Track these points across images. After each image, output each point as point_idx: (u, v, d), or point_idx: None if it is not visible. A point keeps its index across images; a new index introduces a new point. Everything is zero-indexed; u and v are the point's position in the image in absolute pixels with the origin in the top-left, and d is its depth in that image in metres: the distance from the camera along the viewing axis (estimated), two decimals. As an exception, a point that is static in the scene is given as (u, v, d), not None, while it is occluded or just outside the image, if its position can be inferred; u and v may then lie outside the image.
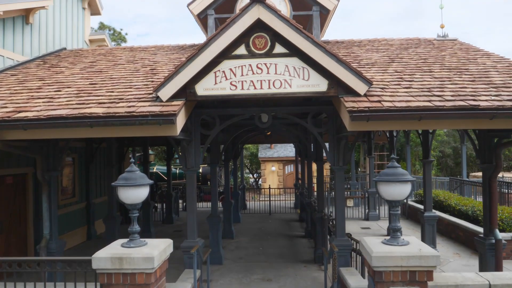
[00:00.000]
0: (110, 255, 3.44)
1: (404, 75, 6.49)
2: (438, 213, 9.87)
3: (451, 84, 5.90)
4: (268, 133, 11.99)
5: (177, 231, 12.66)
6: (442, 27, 9.95)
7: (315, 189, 14.46)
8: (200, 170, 22.13)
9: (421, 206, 12.94)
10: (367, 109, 4.90)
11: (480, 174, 24.01)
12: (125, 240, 3.77)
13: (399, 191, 3.50)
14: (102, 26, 30.05)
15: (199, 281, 6.31)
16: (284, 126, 8.87)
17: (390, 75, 6.49)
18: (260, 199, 20.32)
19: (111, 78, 7.27)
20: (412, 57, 7.88)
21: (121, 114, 5.16)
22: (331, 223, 8.40)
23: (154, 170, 21.97)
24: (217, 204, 9.01)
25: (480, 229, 9.31)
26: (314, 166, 12.14)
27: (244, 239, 11.34)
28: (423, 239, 8.72)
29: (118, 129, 5.28)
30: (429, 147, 8.70)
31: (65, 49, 10.86)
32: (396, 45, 9.19)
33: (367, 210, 13.89)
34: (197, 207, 17.71)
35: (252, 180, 33.17)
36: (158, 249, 3.57)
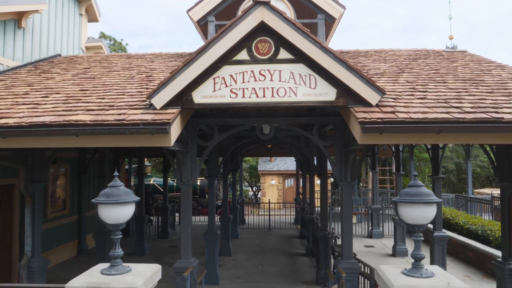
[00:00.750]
0: (86, 284, 2.95)
1: (417, 85, 6.07)
2: (447, 232, 9.32)
3: (469, 95, 5.47)
4: (269, 146, 11.54)
5: (173, 247, 12.08)
6: (451, 38, 9.61)
7: (317, 205, 13.98)
8: (198, 183, 21.61)
9: (427, 224, 12.43)
10: (380, 120, 4.45)
11: (484, 190, 23.53)
12: (106, 265, 3.28)
13: (423, 214, 3.03)
14: (102, 36, 29.93)
15: (193, 306, 5.77)
16: (287, 138, 8.42)
17: (402, 86, 6.07)
18: (259, 213, 19.75)
19: (103, 84, 6.85)
20: (423, 67, 7.48)
21: (110, 122, 4.71)
22: (334, 241, 7.89)
23: (151, 182, 21.45)
24: (214, 219, 8.50)
25: (492, 251, 8.81)
26: (316, 181, 11.70)
27: (243, 256, 10.78)
28: (432, 261, 8.19)
29: (107, 138, 4.82)
30: (439, 163, 8.24)
31: (59, 55, 10.48)
32: (404, 56, 8.81)
33: (370, 227, 13.35)
34: (194, 220, 17.23)
35: (251, 193, 32.60)
36: (143, 277, 3.07)
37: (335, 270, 7.86)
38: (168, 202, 14.20)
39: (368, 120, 4.47)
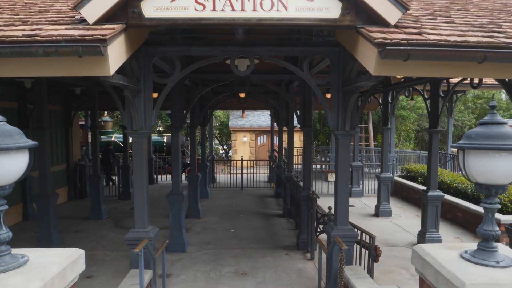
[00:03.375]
0: None
1: (435, 11, 4.82)
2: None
3: (505, 22, 4.29)
4: (243, 95, 10.17)
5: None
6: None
7: (295, 162, 12.93)
8: (165, 139, 20.11)
9: (409, 182, 11.78)
10: (405, 42, 3.19)
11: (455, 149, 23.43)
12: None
13: (507, 167, 1.87)
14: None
15: (151, 282, 4.60)
16: (265, 83, 7.09)
17: (416, 11, 4.80)
18: (231, 171, 18.69)
19: (25, 3, 5.13)
20: (431, -2, 6.21)
21: (15, 38, 3.18)
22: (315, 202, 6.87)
23: (113, 139, 19.71)
24: (179, 179, 7.23)
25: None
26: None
27: (213, 218, 9.71)
28: (424, 222, 7.41)
29: (11, 63, 3.30)
30: (438, 115, 7.25)
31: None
32: (403, -13, 7.46)
33: (349, 186, 12.56)
34: (161, 180, 15.89)
35: (222, 152, 31.40)
36: (43, 276, 1.79)
37: (317, 234, 6.95)
38: (129, 160, 12.75)
39: (389, 41, 3.20)
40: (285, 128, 12.49)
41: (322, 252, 4.85)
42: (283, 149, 13.52)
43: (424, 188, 7.75)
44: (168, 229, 7.35)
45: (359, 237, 4.90)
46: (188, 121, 10.56)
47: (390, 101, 9.56)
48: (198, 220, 9.53)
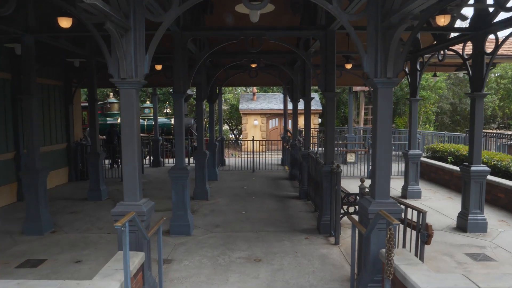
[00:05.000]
0: None
1: None
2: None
3: None
4: (254, 66, 9.18)
5: (138, 190, 9.99)
6: None
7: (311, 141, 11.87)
8: (172, 122, 19.25)
9: (437, 162, 10.73)
10: None
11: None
12: None
13: None
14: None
15: (144, 267, 3.74)
16: (282, 40, 6.11)
17: None
18: (242, 156, 17.81)
19: None
20: None
21: None
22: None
23: (119, 121, 18.96)
24: (183, 152, 6.36)
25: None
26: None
27: (222, 200, 8.86)
28: (465, 202, 6.42)
29: None
30: (483, 76, 6.19)
31: None
32: None
33: (370, 167, 11.57)
34: (168, 162, 15.15)
35: (232, 140, 30.54)
36: None
37: (341, 217, 6.02)
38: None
39: None
40: (300, 112, 11.53)
41: (356, 232, 3.92)
42: (297, 128, 12.55)
43: (456, 168, 6.74)
44: (171, 211, 6.50)
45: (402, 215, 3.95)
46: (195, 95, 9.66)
47: (419, 68, 8.48)
48: (205, 202, 8.69)
